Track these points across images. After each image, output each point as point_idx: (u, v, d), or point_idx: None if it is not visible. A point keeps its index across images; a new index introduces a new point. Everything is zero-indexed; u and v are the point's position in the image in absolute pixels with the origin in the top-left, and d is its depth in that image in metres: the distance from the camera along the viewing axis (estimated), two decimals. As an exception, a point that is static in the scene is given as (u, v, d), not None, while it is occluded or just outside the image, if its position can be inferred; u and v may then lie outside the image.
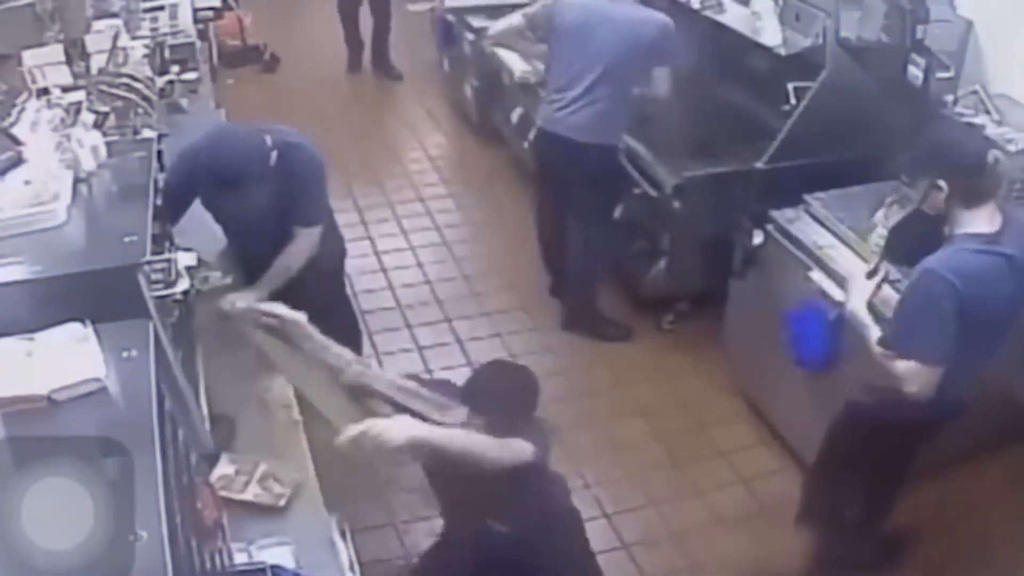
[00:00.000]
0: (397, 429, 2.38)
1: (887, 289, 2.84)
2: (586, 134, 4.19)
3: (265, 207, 3.16)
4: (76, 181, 2.36)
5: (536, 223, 4.84)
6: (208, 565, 1.92)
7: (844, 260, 3.48)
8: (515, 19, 4.43)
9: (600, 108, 4.15)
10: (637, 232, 4.59)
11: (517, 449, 2.49)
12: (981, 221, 2.58)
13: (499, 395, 2.63)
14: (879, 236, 3.16)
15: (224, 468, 2.67)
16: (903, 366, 2.60)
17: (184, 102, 4.13)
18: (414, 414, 2.57)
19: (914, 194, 2.73)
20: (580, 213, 4.46)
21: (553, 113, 4.28)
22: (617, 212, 4.60)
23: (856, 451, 3.05)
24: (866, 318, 2.74)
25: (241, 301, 3.25)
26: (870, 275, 2.82)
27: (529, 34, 4.47)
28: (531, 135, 4.75)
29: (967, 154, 2.63)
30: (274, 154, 3.17)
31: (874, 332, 2.70)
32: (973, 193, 2.58)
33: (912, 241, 2.72)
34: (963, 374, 2.68)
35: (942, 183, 2.56)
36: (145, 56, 3.62)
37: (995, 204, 2.62)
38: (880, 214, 3.12)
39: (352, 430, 2.35)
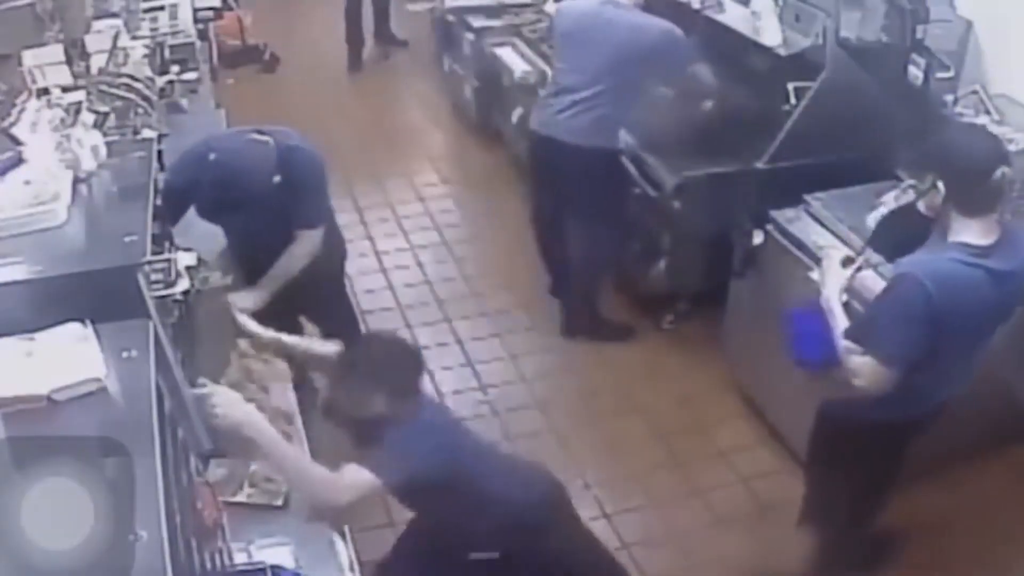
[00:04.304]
0: (234, 409, 2.26)
1: (870, 277, 2.81)
2: (585, 138, 4.18)
3: (264, 215, 3.17)
4: (76, 181, 2.36)
5: (533, 224, 4.83)
6: (208, 565, 1.92)
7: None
8: None
9: (600, 112, 4.14)
10: (637, 232, 4.59)
11: (350, 486, 2.27)
12: (974, 232, 2.52)
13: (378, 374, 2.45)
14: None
15: (213, 473, 2.64)
16: (858, 360, 2.59)
17: (184, 102, 4.14)
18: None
19: (914, 190, 2.70)
20: (581, 216, 4.44)
21: (551, 116, 4.26)
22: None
23: (837, 451, 3.03)
24: (836, 307, 2.71)
25: (241, 301, 3.25)
26: (845, 263, 2.79)
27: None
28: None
29: (974, 161, 2.53)
30: (275, 155, 3.17)
31: (842, 322, 2.68)
32: (970, 202, 2.51)
33: (898, 236, 2.71)
34: (935, 379, 2.68)
35: (940, 185, 2.52)
36: (145, 56, 3.63)
37: (994, 218, 2.55)
38: (873, 215, 3.09)
39: (201, 389, 2.27)
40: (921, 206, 2.63)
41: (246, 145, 3.20)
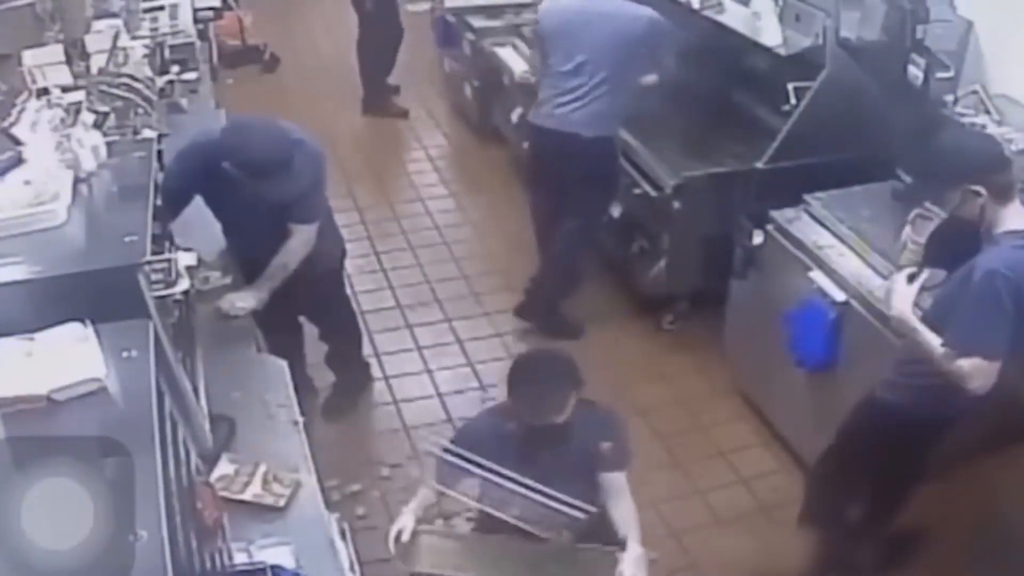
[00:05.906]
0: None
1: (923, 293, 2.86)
2: (588, 128, 4.22)
3: (276, 198, 3.17)
4: (76, 181, 2.36)
5: (533, 222, 4.83)
6: (208, 565, 1.92)
7: (844, 260, 3.49)
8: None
9: (600, 103, 4.19)
10: (637, 232, 4.59)
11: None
12: (1016, 217, 2.64)
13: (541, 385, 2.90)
14: (911, 252, 3.16)
15: (224, 468, 2.66)
16: (968, 363, 2.62)
17: (184, 102, 4.14)
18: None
19: (938, 205, 2.78)
20: (576, 209, 4.45)
21: (552, 110, 4.29)
22: (616, 211, 4.61)
23: (871, 448, 3.05)
24: (915, 322, 2.75)
25: (241, 301, 3.25)
26: (911, 279, 2.83)
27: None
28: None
29: (992, 154, 2.69)
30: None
31: (927, 335, 2.70)
32: (1005, 190, 2.63)
33: (950, 246, 2.76)
34: (1010, 367, 2.71)
35: (979, 188, 2.60)
36: (145, 56, 3.63)
37: (1020, 199, 2.68)
38: (907, 231, 3.16)
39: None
40: (961, 213, 2.69)
41: (255, 118, 3.34)
